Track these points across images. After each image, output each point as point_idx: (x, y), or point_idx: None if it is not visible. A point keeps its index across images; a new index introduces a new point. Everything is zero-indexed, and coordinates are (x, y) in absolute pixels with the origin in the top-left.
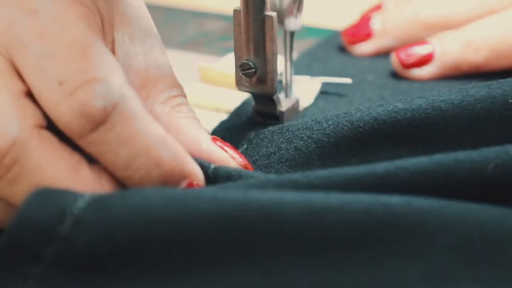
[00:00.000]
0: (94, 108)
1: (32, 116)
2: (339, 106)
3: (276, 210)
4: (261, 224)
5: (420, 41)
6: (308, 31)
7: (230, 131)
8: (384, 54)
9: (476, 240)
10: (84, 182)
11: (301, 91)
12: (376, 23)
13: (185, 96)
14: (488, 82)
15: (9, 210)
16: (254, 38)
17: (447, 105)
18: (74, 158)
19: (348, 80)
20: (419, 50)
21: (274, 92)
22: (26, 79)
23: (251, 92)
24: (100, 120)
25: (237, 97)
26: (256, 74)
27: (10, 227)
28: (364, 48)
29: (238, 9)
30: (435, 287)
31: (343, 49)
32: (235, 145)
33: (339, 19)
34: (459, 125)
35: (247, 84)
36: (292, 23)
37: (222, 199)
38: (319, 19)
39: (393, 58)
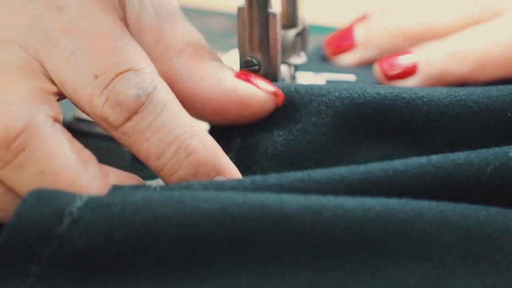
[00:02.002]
0: (129, 97)
1: (48, 108)
2: None
3: (275, 208)
4: (260, 223)
5: (404, 52)
6: (312, 29)
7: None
8: (367, 65)
9: (475, 238)
10: (91, 177)
11: None
12: (359, 33)
13: (201, 38)
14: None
15: (11, 200)
16: (258, 36)
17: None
18: (85, 153)
19: (351, 77)
20: (403, 61)
21: None
22: (57, 75)
23: None
24: (134, 110)
25: None
26: (259, 71)
27: (8, 227)
28: (347, 59)
29: (242, 6)
30: (434, 285)
31: None
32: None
33: (342, 17)
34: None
35: None
36: (296, 60)
37: (221, 198)
38: (323, 17)
39: (376, 69)
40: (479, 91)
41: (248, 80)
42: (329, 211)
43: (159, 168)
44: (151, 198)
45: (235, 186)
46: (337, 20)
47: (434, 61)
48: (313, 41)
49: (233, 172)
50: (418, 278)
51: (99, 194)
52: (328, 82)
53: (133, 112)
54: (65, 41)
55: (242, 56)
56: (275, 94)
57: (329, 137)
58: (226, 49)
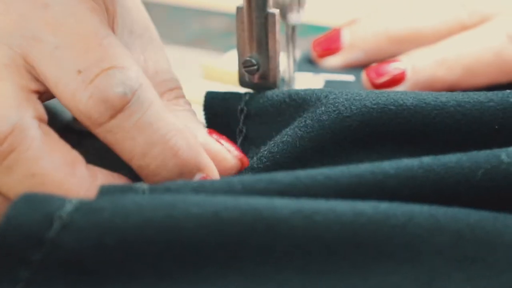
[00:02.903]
0: (114, 94)
1: (34, 109)
2: None
3: (267, 212)
4: (252, 227)
5: (390, 60)
6: (310, 28)
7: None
8: (354, 67)
9: (466, 241)
10: (79, 178)
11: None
12: (345, 36)
13: (181, 88)
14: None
15: (0, 202)
16: (257, 35)
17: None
18: (72, 154)
19: (350, 78)
20: (390, 69)
21: (277, 88)
22: (41, 70)
23: (254, 89)
24: (120, 107)
25: None
26: (258, 71)
27: None
28: (333, 61)
29: (241, 6)
30: None
31: None
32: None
33: (341, 17)
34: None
35: (249, 81)
36: (294, 18)
37: (212, 203)
38: (321, 16)
39: (364, 77)
40: (468, 104)
41: (218, 141)
42: (320, 215)
43: (143, 167)
44: (142, 202)
45: (225, 189)
46: (336, 20)
47: (422, 69)
48: (311, 41)
49: (212, 169)
50: (410, 281)
51: (88, 197)
52: (327, 82)
53: (119, 110)
54: (50, 36)
55: (241, 56)
56: (240, 160)
57: (315, 151)
58: (225, 49)
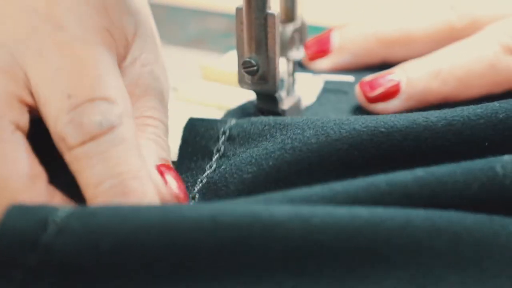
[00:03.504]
0: (91, 122)
1: (16, 115)
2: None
3: (264, 215)
4: (249, 230)
5: (384, 72)
6: (310, 29)
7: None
8: (343, 70)
9: (463, 244)
10: (36, 193)
11: (303, 89)
12: (334, 39)
13: (162, 121)
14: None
15: None
16: (256, 36)
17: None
18: (37, 169)
19: (350, 78)
20: (383, 82)
21: (276, 90)
22: (36, 86)
23: (253, 90)
24: (92, 135)
25: (239, 95)
26: (258, 72)
27: None
28: (322, 64)
29: (240, 7)
30: None
31: None
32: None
33: (340, 17)
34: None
35: (249, 82)
36: (294, 54)
37: (208, 207)
38: (321, 17)
39: (357, 91)
40: (458, 123)
41: (161, 173)
42: (317, 218)
43: (92, 199)
44: (137, 207)
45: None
46: (335, 21)
47: (416, 81)
48: None
49: None
50: (405, 284)
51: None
52: (327, 83)
53: (90, 138)
54: (54, 56)
55: (240, 56)
56: (177, 198)
57: (302, 174)
58: (225, 50)
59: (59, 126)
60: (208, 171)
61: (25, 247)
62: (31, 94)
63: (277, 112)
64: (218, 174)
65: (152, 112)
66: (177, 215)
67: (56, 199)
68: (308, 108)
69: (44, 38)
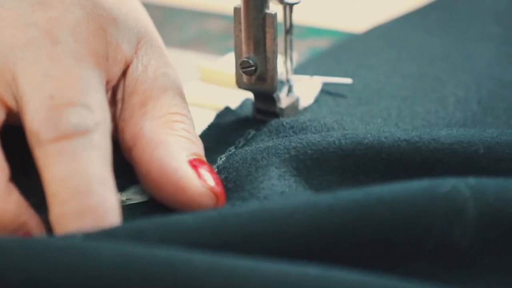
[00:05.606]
0: (67, 121)
1: None
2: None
3: (182, 270)
4: (168, 281)
5: None
6: (309, 31)
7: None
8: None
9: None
10: (14, 201)
11: (302, 91)
12: None
13: (187, 116)
14: None
15: None
16: (254, 36)
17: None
18: (7, 171)
19: (348, 80)
20: None
21: (274, 90)
22: (21, 88)
23: (251, 90)
24: (66, 134)
25: (237, 96)
26: (256, 72)
27: None
28: None
29: (238, 6)
30: None
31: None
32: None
33: (340, 18)
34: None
35: (247, 82)
36: None
37: (127, 250)
38: (321, 17)
39: None
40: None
41: (195, 167)
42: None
43: (53, 193)
44: (51, 244)
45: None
46: (334, 21)
47: None
48: (310, 44)
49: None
50: None
51: None
52: (325, 85)
53: (64, 136)
54: (45, 65)
55: (238, 57)
56: (214, 192)
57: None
58: (223, 51)
59: (36, 121)
60: None
61: None
62: (14, 98)
63: (275, 112)
64: None
65: (177, 109)
66: (89, 256)
67: (13, 197)
68: (306, 109)
69: (40, 50)
